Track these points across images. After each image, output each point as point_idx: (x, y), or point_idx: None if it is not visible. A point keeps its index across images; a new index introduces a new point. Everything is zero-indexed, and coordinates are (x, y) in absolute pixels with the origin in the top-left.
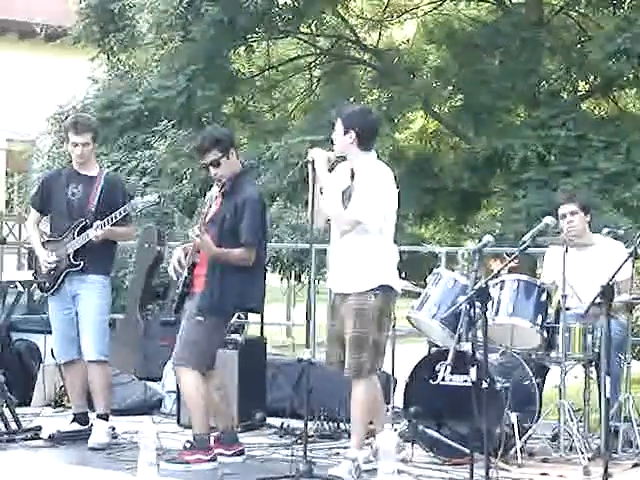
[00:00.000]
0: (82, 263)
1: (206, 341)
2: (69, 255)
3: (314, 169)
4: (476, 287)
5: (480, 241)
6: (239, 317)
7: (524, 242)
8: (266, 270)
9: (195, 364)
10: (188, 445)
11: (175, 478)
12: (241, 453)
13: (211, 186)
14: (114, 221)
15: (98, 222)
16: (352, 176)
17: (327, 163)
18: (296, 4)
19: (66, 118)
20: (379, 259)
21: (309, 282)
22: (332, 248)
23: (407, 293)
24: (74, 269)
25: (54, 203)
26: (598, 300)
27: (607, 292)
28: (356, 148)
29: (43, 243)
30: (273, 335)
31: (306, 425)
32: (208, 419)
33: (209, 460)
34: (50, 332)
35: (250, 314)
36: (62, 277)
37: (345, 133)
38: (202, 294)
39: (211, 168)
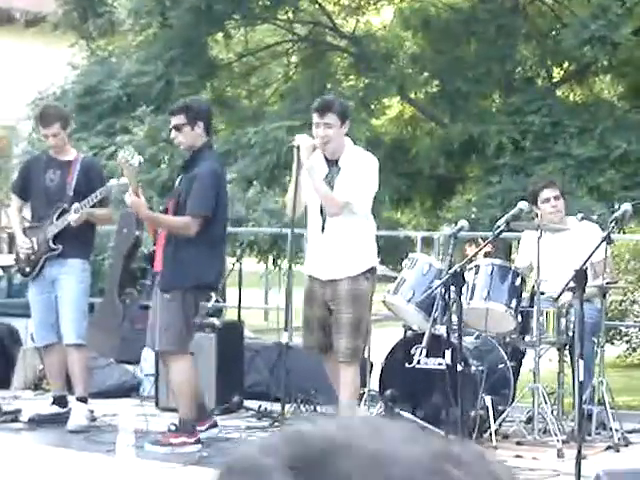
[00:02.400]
0: (61, 247)
1: (180, 319)
2: (48, 240)
3: (299, 155)
4: (451, 271)
5: (455, 226)
6: (217, 301)
7: (498, 227)
8: (223, 246)
9: (178, 347)
10: (173, 428)
11: (155, 460)
12: (215, 425)
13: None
14: (91, 203)
15: (76, 205)
16: (330, 163)
17: (311, 150)
18: None
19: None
20: (368, 242)
21: (289, 266)
22: (313, 236)
23: (383, 277)
24: (53, 253)
25: (33, 189)
26: (571, 284)
27: (580, 276)
28: (344, 135)
29: (24, 229)
30: (251, 319)
31: (283, 407)
32: (194, 403)
33: (193, 443)
34: (30, 316)
35: (228, 298)
36: (42, 262)
37: (342, 125)
38: (161, 273)
39: (173, 131)
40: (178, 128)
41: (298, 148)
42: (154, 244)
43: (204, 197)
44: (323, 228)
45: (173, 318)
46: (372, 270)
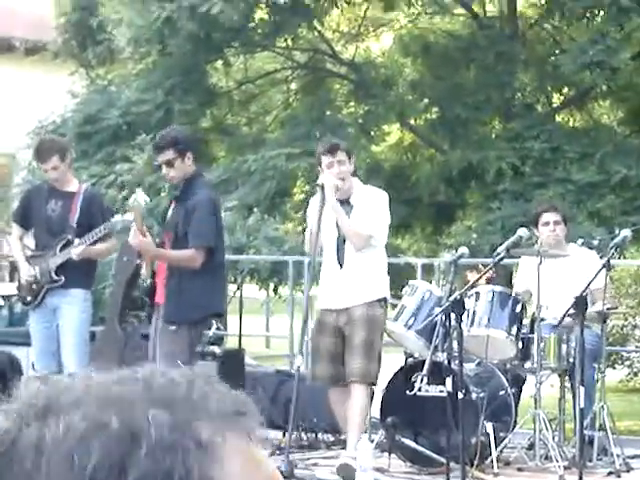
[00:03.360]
0: (63, 278)
1: (181, 350)
2: (50, 271)
3: (323, 194)
4: (451, 299)
5: (455, 253)
6: (218, 329)
7: (498, 254)
8: (226, 274)
9: None
10: None
11: None
12: None
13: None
14: (94, 239)
15: (78, 240)
16: (341, 202)
17: (335, 189)
18: (272, 19)
19: (46, 133)
20: (383, 273)
21: (304, 295)
22: (330, 271)
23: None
24: (55, 284)
25: (35, 219)
26: (572, 311)
27: (580, 303)
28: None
29: (27, 258)
30: (252, 346)
31: (290, 428)
32: None
33: None
34: (31, 344)
35: (230, 326)
36: (44, 292)
37: (349, 162)
38: (164, 305)
39: (164, 167)
40: (170, 163)
41: (322, 187)
42: (151, 277)
43: (206, 228)
44: (341, 264)
45: (178, 349)
46: (385, 300)
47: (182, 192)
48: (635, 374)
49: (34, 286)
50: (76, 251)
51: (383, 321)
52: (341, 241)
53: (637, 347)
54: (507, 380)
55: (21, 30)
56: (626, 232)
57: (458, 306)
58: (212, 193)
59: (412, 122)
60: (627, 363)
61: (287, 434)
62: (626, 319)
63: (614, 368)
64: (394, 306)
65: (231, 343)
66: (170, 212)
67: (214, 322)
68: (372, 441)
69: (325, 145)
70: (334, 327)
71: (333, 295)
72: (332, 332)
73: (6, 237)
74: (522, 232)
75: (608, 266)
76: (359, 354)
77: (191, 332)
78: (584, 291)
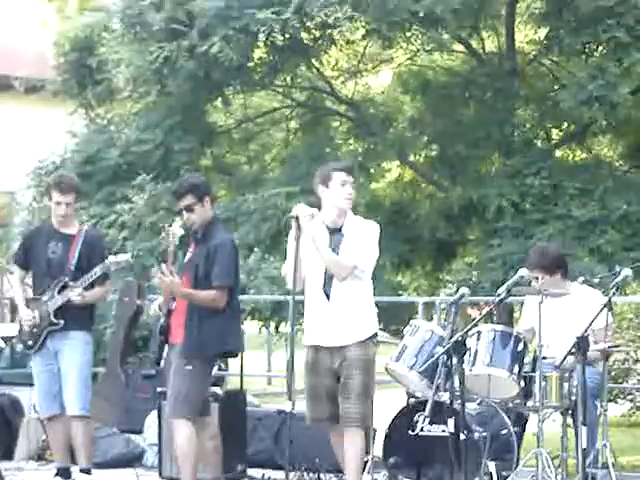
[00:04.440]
0: (63, 322)
1: (196, 389)
2: (50, 314)
3: (298, 225)
4: (452, 340)
5: (456, 293)
6: (220, 368)
7: (499, 294)
8: (241, 314)
9: (188, 414)
10: None
11: None
12: None
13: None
14: (90, 281)
15: (73, 284)
16: (332, 231)
17: (310, 219)
18: (271, 58)
19: (45, 173)
20: (371, 307)
21: (289, 333)
22: (316, 305)
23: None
24: (55, 328)
25: (35, 261)
26: (573, 351)
27: (582, 344)
28: None
29: (27, 301)
30: (254, 383)
31: (287, 476)
32: (196, 471)
33: None
34: (33, 385)
35: (231, 365)
36: (44, 335)
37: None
38: (184, 344)
39: (185, 213)
40: (190, 209)
41: (297, 218)
42: (166, 316)
43: (228, 269)
44: (329, 296)
45: (190, 386)
46: (376, 335)
47: (203, 235)
48: (638, 408)
49: (35, 330)
50: (74, 295)
51: (374, 358)
52: (328, 273)
53: (639, 381)
54: (509, 419)
55: (21, 69)
56: (627, 272)
57: (459, 346)
58: (231, 235)
59: (412, 159)
60: (629, 397)
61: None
62: (628, 353)
63: (616, 402)
64: (395, 345)
65: (233, 383)
66: (189, 254)
67: (217, 362)
68: None
69: (340, 163)
70: (330, 369)
71: (322, 330)
72: (328, 373)
73: (7, 275)
74: (523, 272)
75: (609, 306)
76: (356, 398)
77: (206, 369)
78: (585, 331)
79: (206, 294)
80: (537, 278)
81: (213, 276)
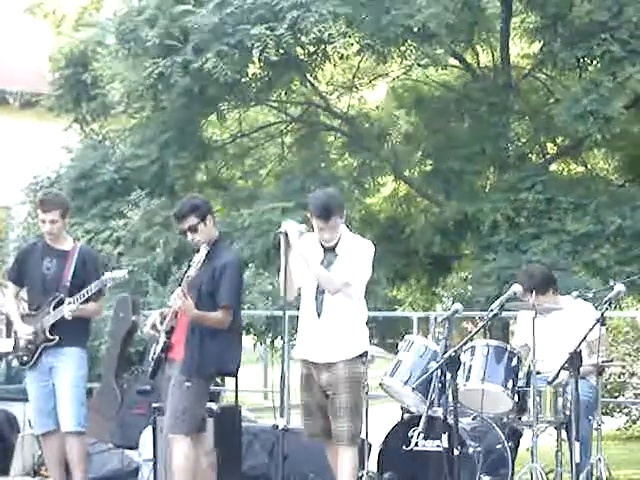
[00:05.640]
0: (57, 337)
1: (195, 405)
2: (45, 330)
3: (287, 241)
4: (446, 356)
5: (450, 309)
6: (215, 384)
7: (492, 310)
8: (242, 333)
9: (188, 431)
10: None
11: None
12: None
13: (194, 251)
14: (85, 297)
15: (69, 299)
16: (326, 249)
17: (299, 235)
18: (266, 74)
19: (40, 189)
20: (362, 325)
21: (283, 348)
22: (308, 320)
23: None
24: (50, 343)
25: (30, 277)
26: (566, 366)
27: (575, 359)
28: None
29: (22, 317)
30: (250, 397)
31: None
32: None
33: None
34: (28, 401)
35: (227, 381)
36: (39, 351)
37: (340, 218)
38: (184, 360)
39: (189, 234)
40: (194, 229)
41: (286, 234)
42: (168, 333)
43: (234, 289)
44: (319, 313)
45: (189, 403)
46: (366, 354)
47: (208, 254)
48: (633, 422)
49: (30, 346)
50: (67, 310)
51: (364, 377)
52: (320, 290)
53: (635, 395)
54: (504, 434)
55: (16, 84)
56: (620, 287)
57: (453, 362)
58: (237, 255)
59: (406, 174)
60: (625, 411)
61: None
62: (623, 367)
63: (612, 416)
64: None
65: (228, 398)
66: (192, 272)
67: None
68: None
69: (318, 207)
70: (319, 384)
71: (311, 346)
72: (319, 389)
73: (2, 290)
74: (516, 288)
75: (602, 321)
76: (345, 416)
77: (205, 386)
78: (578, 346)
79: (215, 316)
80: (523, 297)
81: (219, 296)
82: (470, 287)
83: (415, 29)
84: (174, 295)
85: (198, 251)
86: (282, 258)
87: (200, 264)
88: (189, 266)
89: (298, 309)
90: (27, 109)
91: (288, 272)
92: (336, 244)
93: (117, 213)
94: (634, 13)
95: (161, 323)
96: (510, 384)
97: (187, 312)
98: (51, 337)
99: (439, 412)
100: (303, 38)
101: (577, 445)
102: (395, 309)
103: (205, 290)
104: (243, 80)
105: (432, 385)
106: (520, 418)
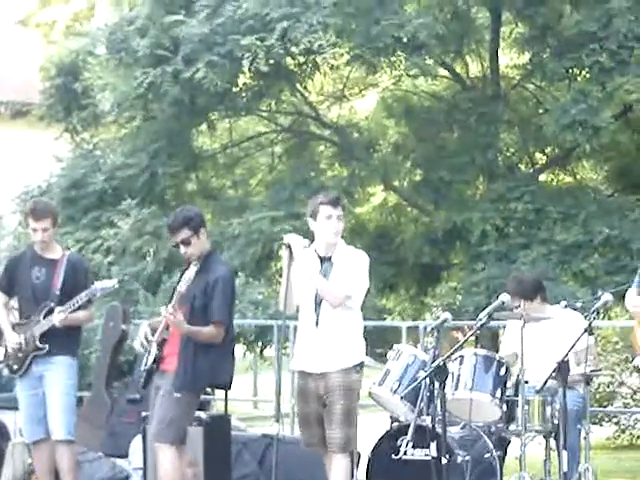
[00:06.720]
0: (48, 346)
1: (183, 417)
2: (35, 338)
3: (291, 253)
4: (434, 365)
5: (439, 318)
6: (205, 393)
7: (480, 319)
8: (234, 346)
9: (173, 440)
10: None
11: None
12: None
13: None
14: (76, 306)
15: (59, 308)
16: (322, 259)
17: (302, 248)
18: (256, 84)
19: (31, 198)
20: (359, 337)
21: (275, 356)
22: (306, 331)
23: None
24: (40, 352)
25: (19, 286)
26: (554, 375)
27: (562, 368)
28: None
29: (13, 326)
30: (240, 406)
31: None
32: None
33: None
34: (18, 409)
35: (216, 390)
36: (29, 360)
37: (344, 216)
38: (177, 372)
39: (182, 246)
40: (187, 242)
41: (289, 246)
42: (160, 344)
43: (227, 304)
44: (317, 324)
45: (177, 414)
46: (361, 365)
47: (200, 267)
48: (622, 431)
49: (20, 354)
50: (57, 319)
51: (359, 386)
52: (318, 300)
53: (624, 404)
54: (492, 443)
55: (7, 94)
56: (607, 297)
57: (441, 371)
58: (230, 269)
59: (396, 184)
60: (614, 420)
61: None
62: (613, 376)
63: (601, 425)
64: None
65: (219, 407)
66: (184, 284)
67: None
68: None
69: (328, 196)
70: (316, 394)
71: (308, 356)
72: (315, 399)
73: None
74: (504, 297)
75: (590, 331)
76: (339, 424)
77: (193, 399)
78: (566, 356)
79: (208, 331)
80: (518, 306)
81: (211, 311)
82: (459, 296)
83: (405, 39)
84: (164, 310)
85: (189, 262)
86: (285, 271)
87: (191, 281)
88: (179, 281)
89: (288, 319)
90: (18, 118)
91: (289, 286)
92: (332, 255)
93: (107, 222)
94: (623, 24)
95: (152, 334)
96: (498, 393)
97: (179, 329)
98: (41, 346)
99: (427, 421)
100: (293, 48)
101: (565, 454)
102: (384, 318)
103: (198, 304)
104: (233, 90)
105: (421, 394)
106: (508, 427)
